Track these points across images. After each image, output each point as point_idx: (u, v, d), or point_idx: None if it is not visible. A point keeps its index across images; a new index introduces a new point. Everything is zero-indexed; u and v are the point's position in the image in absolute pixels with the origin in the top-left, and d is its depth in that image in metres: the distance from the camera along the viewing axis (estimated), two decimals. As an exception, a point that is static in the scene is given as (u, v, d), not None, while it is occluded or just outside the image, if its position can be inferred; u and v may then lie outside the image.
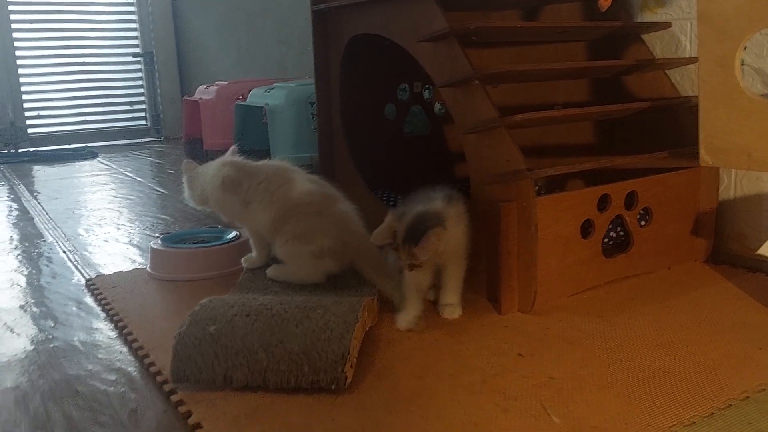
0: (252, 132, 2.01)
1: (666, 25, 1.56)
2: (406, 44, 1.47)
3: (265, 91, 1.94)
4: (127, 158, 3.89)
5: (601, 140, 1.74)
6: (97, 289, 1.48)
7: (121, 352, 1.17)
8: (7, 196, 2.77)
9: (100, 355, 1.16)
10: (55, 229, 2.13)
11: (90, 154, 3.99)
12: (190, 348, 1.01)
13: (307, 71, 2.96)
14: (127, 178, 3.16)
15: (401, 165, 1.89)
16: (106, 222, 2.21)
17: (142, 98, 4.66)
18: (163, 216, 2.27)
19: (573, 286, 1.32)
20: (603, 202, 1.32)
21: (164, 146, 4.42)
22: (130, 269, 1.63)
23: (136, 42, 4.59)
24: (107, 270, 1.64)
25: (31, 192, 2.85)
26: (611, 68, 1.52)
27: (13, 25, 4.21)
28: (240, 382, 0.98)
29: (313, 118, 1.88)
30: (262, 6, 3.52)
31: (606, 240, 1.39)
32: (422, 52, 1.41)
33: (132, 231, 2.06)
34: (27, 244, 1.95)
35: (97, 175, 3.32)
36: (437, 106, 1.93)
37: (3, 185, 3.06)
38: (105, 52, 4.54)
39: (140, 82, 4.64)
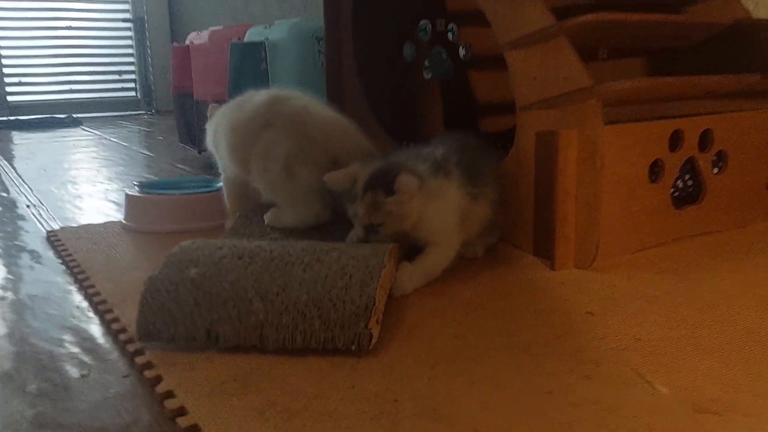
0: (249, 78, 1.75)
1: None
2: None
3: (265, 27, 1.69)
4: (114, 126, 3.64)
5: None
6: (58, 240, 1.24)
7: (77, 307, 0.93)
8: (-23, 157, 2.51)
9: (50, 311, 0.92)
10: (22, 185, 1.88)
11: (73, 122, 3.73)
12: (163, 295, 0.77)
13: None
14: (110, 142, 2.91)
15: (423, 112, 1.65)
16: (81, 180, 1.96)
17: (132, 68, 4.39)
18: (147, 175, 2.02)
19: (637, 240, 1.08)
20: (675, 140, 1.08)
21: (156, 118, 4.15)
22: (102, 221, 1.38)
23: (126, 6, 4.32)
24: (76, 223, 1.40)
25: (3, 153, 2.59)
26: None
27: (-6, -16, 3.95)
28: (228, 340, 0.74)
29: (320, 55, 1.63)
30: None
31: (671, 190, 1.15)
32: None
33: (109, 188, 1.81)
34: (-13, 198, 1.70)
35: (79, 139, 3.07)
36: (462, 49, 1.68)
37: (-25, 148, 2.81)
38: (93, 16, 4.26)
39: (130, 50, 4.37)
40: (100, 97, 4.33)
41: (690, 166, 1.15)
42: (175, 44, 2.07)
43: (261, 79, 1.72)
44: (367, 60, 1.54)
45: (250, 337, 0.74)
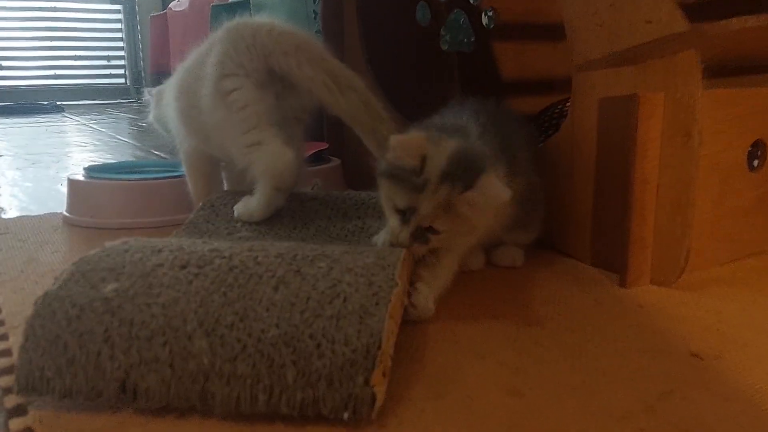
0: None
1: None
2: None
3: (251, -14, 1.42)
4: (98, 114, 3.37)
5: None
6: (-21, 236, 0.97)
7: (-32, 330, 0.66)
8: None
9: None
10: (-30, 170, 1.61)
11: (55, 108, 3.47)
12: (59, 325, 0.50)
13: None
14: (89, 129, 2.65)
15: (439, 86, 1.38)
16: (42, 165, 1.70)
17: (122, 53, 4.12)
18: (111, 160, 1.76)
19: (730, 249, 0.82)
20: (781, 115, 0.82)
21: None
22: (42, 213, 1.12)
23: (115, -12, 4.06)
24: (13, 214, 1.14)
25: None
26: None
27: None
28: (153, 397, 0.47)
29: (315, 18, 1.36)
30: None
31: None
32: None
33: (73, 173, 1.54)
34: None
35: (57, 125, 2.80)
36: (485, 16, 1.41)
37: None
38: (80, -3, 4.01)
39: (119, 35, 4.10)
40: (88, 84, 4.07)
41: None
42: (153, 14, 1.80)
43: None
44: (373, 23, 1.28)
45: (188, 393, 0.47)
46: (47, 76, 3.95)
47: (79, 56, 4.03)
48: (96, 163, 1.19)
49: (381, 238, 0.69)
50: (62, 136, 2.41)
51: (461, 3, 1.40)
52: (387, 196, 0.65)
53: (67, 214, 1.05)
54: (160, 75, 1.86)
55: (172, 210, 1.01)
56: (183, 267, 0.55)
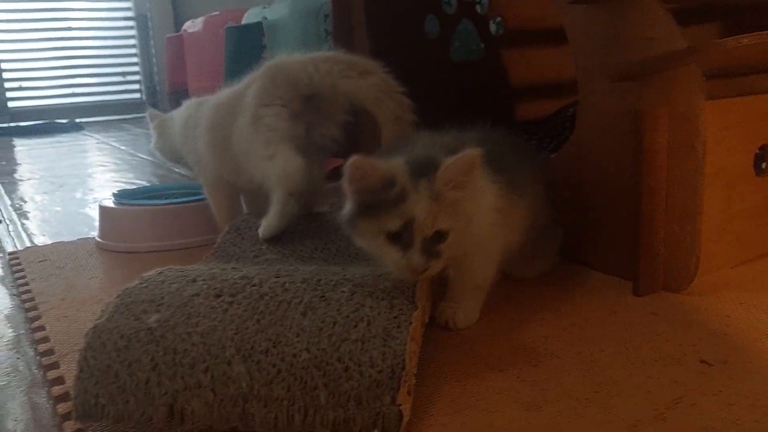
0: (248, 67, 1.51)
1: None
2: None
3: (264, 7, 1.46)
4: (117, 130, 3.44)
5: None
6: (19, 265, 1.02)
7: (18, 357, 0.71)
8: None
9: (-16, 365, 0.70)
10: (1, 196, 1.67)
11: (74, 127, 3.54)
12: (110, 355, 0.54)
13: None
14: (109, 147, 2.71)
15: (447, 97, 1.41)
16: (68, 188, 1.75)
17: (136, 68, 4.18)
18: (139, 181, 1.81)
19: (739, 251, 0.84)
20: (785, 119, 0.84)
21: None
22: (76, 240, 1.17)
23: (128, 4, 4.11)
24: (48, 240, 1.19)
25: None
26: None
27: (-11, -15, 3.76)
28: (198, 419, 0.51)
29: (327, 35, 1.40)
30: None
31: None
32: None
33: (98, 197, 1.60)
34: (-43, 213, 1.49)
35: (77, 145, 2.87)
36: (493, 25, 1.44)
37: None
38: (93, 15, 4.05)
39: (133, 50, 4.16)
40: (104, 101, 4.13)
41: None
42: (168, 35, 1.84)
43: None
44: (383, 38, 1.31)
45: (229, 415, 0.51)
46: (65, 95, 4.03)
47: (95, 73, 4.10)
48: (123, 188, 1.23)
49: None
50: (84, 156, 2.47)
51: (469, 13, 1.43)
52: (372, 232, 0.60)
53: (99, 240, 1.10)
54: (176, 93, 1.91)
55: (197, 232, 1.06)
56: (217, 296, 0.59)
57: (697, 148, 0.72)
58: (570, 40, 0.84)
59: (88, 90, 4.09)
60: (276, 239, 0.85)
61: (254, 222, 0.89)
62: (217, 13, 1.77)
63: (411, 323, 0.54)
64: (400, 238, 0.59)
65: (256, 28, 1.43)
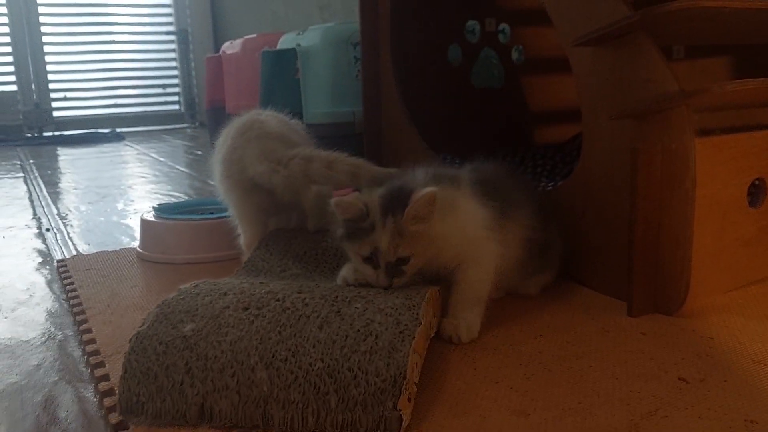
0: (282, 88, 1.61)
1: None
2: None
3: (298, 34, 1.55)
4: (156, 141, 3.58)
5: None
6: (67, 272, 1.12)
7: (68, 357, 0.80)
8: (10, 175, 2.46)
9: (33, 362, 0.79)
10: (47, 207, 1.78)
11: (116, 137, 3.69)
12: (150, 358, 0.63)
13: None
14: (149, 158, 2.83)
15: (470, 124, 1.48)
16: (111, 199, 1.87)
17: (176, 80, 4.34)
18: (176, 193, 1.91)
19: (731, 277, 0.89)
20: (779, 154, 0.89)
21: (199, 131, 4.10)
22: (117, 249, 1.26)
23: (170, 19, 4.28)
24: (92, 249, 1.29)
25: (41, 170, 2.54)
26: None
27: (39, 0, 3.94)
28: (225, 418, 0.59)
29: (356, 62, 1.48)
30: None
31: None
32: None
33: (138, 208, 1.70)
34: (4, 223, 1.61)
35: (118, 155, 3.01)
36: (515, 52, 1.51)
37: (15, 164, 2.76)
38: (136, 30, 4.23)
39: (174, 63, 4.33)
40: (144, 111, 4.29)
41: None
42: (208, 55, 1.95)
43: (294, 89, 1.58)
44: (408, 66, 1.39)
45: (252, 415, 0.59)
46: (107, 105, 4.20)
47: (137, 85, 4.26)
48: (163, 202, 1.32)
49: (343, 274, 0.78)
50: (125, 167, 2.59)
51: (491, 42, 1.50)
52: (353, 252, 0.75)
53: (140, 250, 1.19)
54: (214, 110, 2.02)
55: (227, 246, 1.14)
56: (245, 309, 0.67)
57: (687, 183, 0.78)
58: (575, 78, 0.90)
59: (129, 101, 4.26)
60: (301, 256, 0.93)
61: (280, 238, 0.97)
62: (254, 36, 1.87)
63: (414, 338, 0.61)
64: (371, 261, 0.73)
65: (291, 54, 1.52)
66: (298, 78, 1.62)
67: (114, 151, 3.18)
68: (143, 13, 4.25)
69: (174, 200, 1.77)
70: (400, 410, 0.56)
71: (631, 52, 0.82)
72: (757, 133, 0.86)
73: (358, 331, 0.61)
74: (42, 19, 3.97)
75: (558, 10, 0.91)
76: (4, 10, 3.87)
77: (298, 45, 1.48)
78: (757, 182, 0.88)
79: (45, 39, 3.99)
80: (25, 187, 2.12)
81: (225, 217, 1.17)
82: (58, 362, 0.79)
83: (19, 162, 2.84)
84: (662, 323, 0.80)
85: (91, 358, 0.77)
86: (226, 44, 1.99)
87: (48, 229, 1.49)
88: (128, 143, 3.52)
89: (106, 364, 0.75)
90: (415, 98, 1.39)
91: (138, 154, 3.02)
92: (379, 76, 1.42)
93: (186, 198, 1.82)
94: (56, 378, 0.75)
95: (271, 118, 1.00)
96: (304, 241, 0.96)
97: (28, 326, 0.91)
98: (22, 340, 0.86)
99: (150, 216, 1.19)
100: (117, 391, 0.63)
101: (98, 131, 3.86)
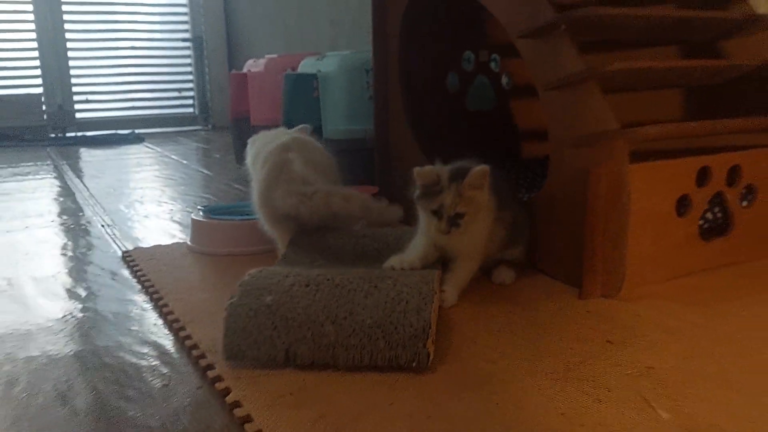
0: (301, 105, 1.88)
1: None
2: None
3: (317, 59, 1.81)
4: (174, 143, 3.84)
5: (695, 117, 1.55)
6: (133, 261, 1.37)
7: (154, 324, 1.05)
8: (51, 175, 2.71)
9: (132, 327, 1.04)
10: (95, 205, 2.04)
11: (136, 139, 3.94)
12: (244, 320, 0.87)
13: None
14: (171, 160, 3.09)
15: (465, 141, 1.74)
16: (147, 199, 2.12)
17: (191, 85, 4.60)
18: (206, 195, 2.17)
19: (665, 271, 1.15)
20: (702, 176, 1.15)
21: (212, 134, 4.36)
22: (169, 243, 1.52)
23: (185, 27, 4.54)
24: (146, 243, 1.54)
25: (75, 171, 2.79)
26: (712, 24, 1.32)
27: (64, 8, 4.20)
28: (305, 359, 0.85)
29: (368, 86, 1.74)
30: (313, -13, 3.41)
31: (701, 222, 1.21)
32: None
33: (173, 208, 1.96)
34: (65, 218, 1.86)
35: (141, 157, 3.26)
36: (504, 78, 1.77)
37: (48, 164, 3.02)
38: (154, 37, 4.50)
39: (189, 69, 4.59)
40: (160, 114, 4.56)
41: (720, 199, 1.21)
42: (233, 71, 2.21)
43: (313, 107, 1.84)
44: (412, 90, 1.64)
45: (324, 356, 0.84)
46: (126, 108, 4.46)
47: (154, 89, 4.52)
48: (206, 205, 1.58)
49: (393, 260, 1.06)
50: (152, 170, 2.84)
51: (484, 70, 1.76)
52: (423, 207, 1.03)
53: (190, 244, 1.45)
54: (238, 121, 2.28)
55: (260, 242, 1.38)
56: (306, 285, 0.91)
57: (624, 198, 1.03)
58: (546, 115, 1.16)
59: (146, 104, 4.51)
60: (323, 250, 1.19)
61: (306, 238, 1.21)
62: (275, 56, 2.12)
63: (433, 302, 0.87)
64: (437, 213, 1.01)
65: (311, 77, 1.77)
66: (316, 97, 1.88)
67: (136, 153, 3.43)
68: (161, 21, 4.52)
69: (205, 201, 2.03)
70: (428, 349, 0.82)
71: (585, 97, 1.07)
72: (681, 160, 1.12)
73: (393, 298, 0.87)
74: (66, 26, 4.22)
75: (533, 62, 1.17)
76: (31, 17, 4.13)
77: (319, 71, 1.73)
78: (683, 198, 1.14)
79: (69, 45, 4.24)
80: (67, 188, 2.37)
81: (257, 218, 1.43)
82: (147, 329, 1.04)
83: (50, 162, 3.10)
84: (604, 304, 1.06)
85: (174, 324, 1.03)
86: (250, 62, 2.24)
87: (103, 226, 1.75)
88: (147, 145, 3.77)
89: (186, 328, 1.00)
90: (418, 118, 1.64)
91: (160, 156, 3.27)
92: (387, 99, 1.67)
93: (215, 200, 2.07)
94: (150, 338, 1.00)
95: (297, 157, 1.22)
96: (323, 239, 1.21)
97: (117, 302, 1.16)
98: (116, 311, 1.11)
99: (198, 216, 1.45)
100: (222, 344, 0.87)
101: (119, 132, 4.11)
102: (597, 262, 1.08)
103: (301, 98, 1.85)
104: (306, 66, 1.85)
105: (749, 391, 0.77)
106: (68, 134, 4.20)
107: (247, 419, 0.74)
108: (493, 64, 1.76)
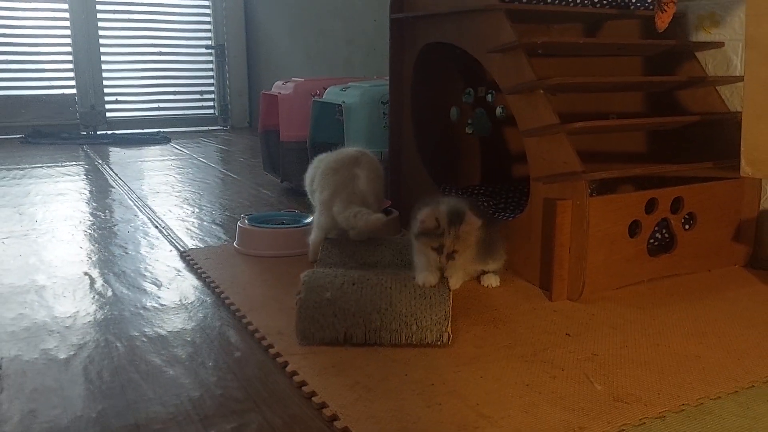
0: (326, 126, 2.20)
1: (719, 44, 1.67)
2: (476, 53, 1.62)
3: (341, 90, 2.12)
4: (198, 145, 4.15)
5: (651, 149, 1.87)
6: (192, 259, 1.69)
7: (220, 313, 1.36)
8: (95, 177, 3.03)
9: (201, 314, 1.35)
10: (145, 207, 2.35)
11: (163, 139, 4.25)
12: (311, 311, 1.18)
13: (373, 71, 3.14)
14: (200, 162, 3.40)
15: (463, 162, 2.05)
16: (188, 203, 2.43)
17: (212, 89, 4.92)
18: (240, 200, 2.48)
19: (618, 280, 1.46)
20: (651, 206, 1.45)
21: (230, 135, 4.67)
22: (218, 244, 1.83)
23: (208, 35, 4.86)
24: (196, 244, 1.85)
25: (116, 174, 3.10)
26: (665, 83, 1.64)
27: (99, 15, 4.51)
28: (359, 339, 1.16)
29: (384, 116, 2.05)
30: (332, 7, 3.70)
31: (652, 241, 1.52)
32: (491, 61, 1.56)
33: (214, 212, 2.27)
34: (123, 221, 2.18)
35: (173, 159, 3.57)
36: (498, 110, 2.07)
37: (87, 165, 3.33)
38: (179, 43, 4.82)
39: (211, 74, 4.91)
40: (183, 114, 4.88)
41: (666, 224, 1.52)
42: (264, 92, 2.52)
43: (336, 130, 2.15)
44: (421, 121, 1.95)
45: (372, 338, 1.16)
46: (152, 108, 4.77)
47: (178, 91, 4.84)
48: (251, 213, 1.89)
49: (421, 279, 1.28)
50: (186, 173, 3.14)
51: (481, 103, 2.07)
52: (424, 243, 1.21)
53: (237, 246, 1.76)
54: (268, 132, 2.59)
55: (297, 246, 1.70)
56: (353, 284, 1.21)
57: (584, 224, 1.34)
58: (528, 156, 1.47)
59: (170, 105, 4.83)
60: (352, 255, 1.50)
61: (337, 243, 1.52)
62: (302, 80, 2.44)
63: (449, 299, 1.18)
64: (438, 250, 1.21)
65: (336, 107, 2.08)
66: (338, 119, 2.19)
67: (167, 154, 3.75)
68: (186, 29, 4.84)
69: (239, 205, 2.34)
70: (449, 331, 1.14)
71: (557, 145, 1.38)
72: (632, 194, 1.43)
73: (420, 295, 1.18)
74: (101, 32, 4.54)
75: (518, 111, 1.48)
76: (67, 23, 4.44)
77: (343, 102, 2.04)
78: (634, 222, 1.45)
79: (102, 50, 4.56)
80: (116, 189, 2.69)
81: (295, 227, 1.74)
82: (216, 316, 1.35)
83: (88, 161, 3.41)
84: (568, 305, 1.37)
85: (237, 313, 1.34)
86: (278, 83, 2.55)
87: (156, 227, 2.06)
88: (175, 146, 4.09)
89: (248, 317, 1.32)
90: (426, 145, 1.95)
91: (188, 158, 3.58)
92: (401, 128, 1.98)
93: (248, 204, 2.38)
94: (219, 323, 1.31)
95: (362, 174, 1.49)
96: (348, 247, 1.51)
97: (185, 293, 1.47)
98: (187, 302, 1.42)
99: (245, 224, 1.76)
100: (296, 330, 1.17)
101: (147, 131, 4.43)
102: (563, 271, 1.39)
103: (325, 122, 2.17)
104: (331, 95, 2.16)
105: (660, 371, 1.09)
106: (99, 132, 4.52)
107: (303, 383, 1.06)
108: (489, 97, 2.07)
